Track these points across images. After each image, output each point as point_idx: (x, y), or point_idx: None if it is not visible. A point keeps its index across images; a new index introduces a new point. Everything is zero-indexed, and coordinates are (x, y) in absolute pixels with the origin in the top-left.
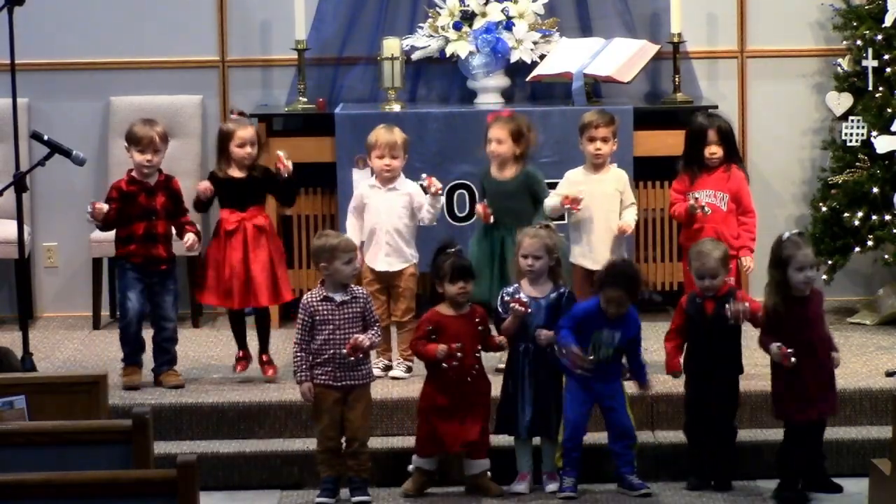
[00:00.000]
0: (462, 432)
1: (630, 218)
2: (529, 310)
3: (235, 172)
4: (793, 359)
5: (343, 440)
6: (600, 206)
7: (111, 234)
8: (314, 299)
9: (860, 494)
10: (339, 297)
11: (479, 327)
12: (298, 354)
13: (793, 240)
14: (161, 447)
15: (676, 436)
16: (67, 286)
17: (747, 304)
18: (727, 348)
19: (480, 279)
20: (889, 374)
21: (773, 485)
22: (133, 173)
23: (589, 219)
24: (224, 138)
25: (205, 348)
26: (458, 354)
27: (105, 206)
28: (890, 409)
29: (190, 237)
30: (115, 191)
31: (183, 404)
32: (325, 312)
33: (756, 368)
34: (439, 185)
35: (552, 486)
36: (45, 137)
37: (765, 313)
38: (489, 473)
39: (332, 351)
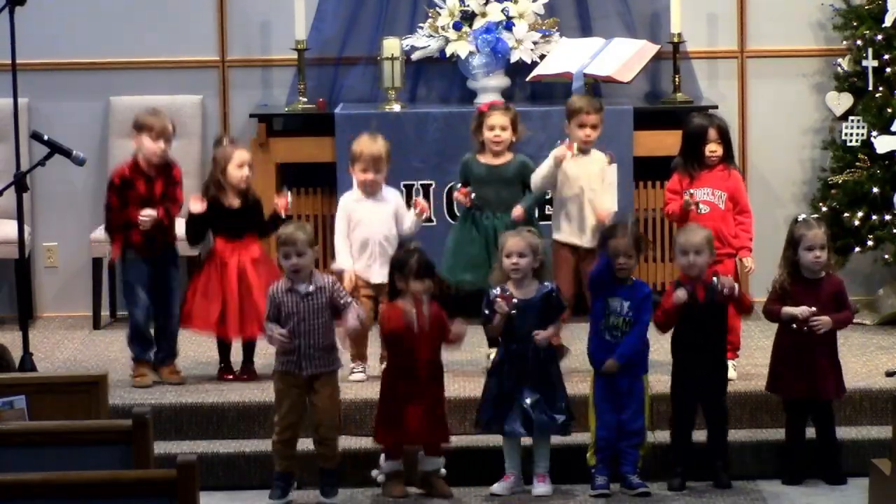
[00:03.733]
0: (416, 423)
1: (608, 204)
2: (513, 309)
3: (231, 201)
4: (812, 315)
5: (315, 434)
6: (587, 185)
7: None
8: (280, 290)
9: (860, 494)
10: (303, 289)
11: (439, 328)
12: (267, 324)
13: (806, 220)
14: (161, 447)
15: None
16: (67, 286)
17: (732, 281)
18: (716, 334)
19: (476, 269)
20: (889, 374)
21: (773, 485)
22: (139, 160)
23: (576, 197)
24: (223, 160)
25: (204, 348)
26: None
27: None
28: (890, 409)
29: (149, 211)
30: (118, 178)
31: (183, 404)
32: (290, 304)
33: (756, 368)
34: (427, 210)
35: (540, 489)
36: (45, 137)
37: (773, 288)
38: (444, 471)
39: (298, 340)
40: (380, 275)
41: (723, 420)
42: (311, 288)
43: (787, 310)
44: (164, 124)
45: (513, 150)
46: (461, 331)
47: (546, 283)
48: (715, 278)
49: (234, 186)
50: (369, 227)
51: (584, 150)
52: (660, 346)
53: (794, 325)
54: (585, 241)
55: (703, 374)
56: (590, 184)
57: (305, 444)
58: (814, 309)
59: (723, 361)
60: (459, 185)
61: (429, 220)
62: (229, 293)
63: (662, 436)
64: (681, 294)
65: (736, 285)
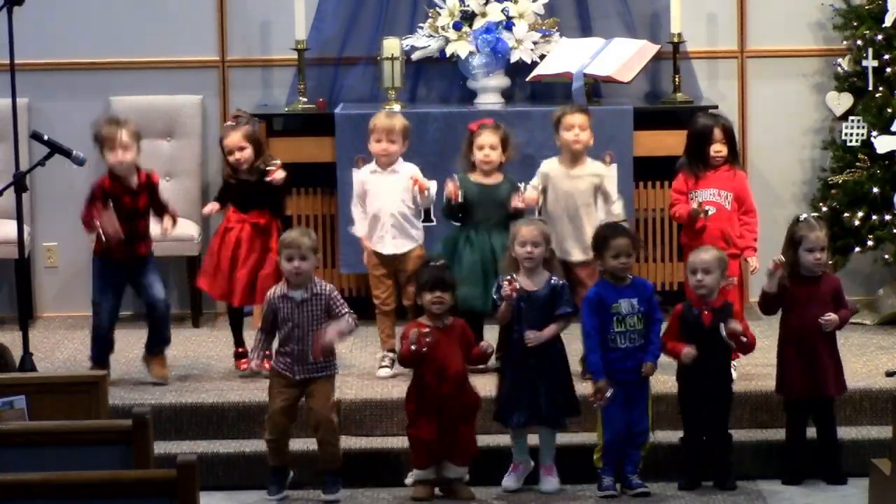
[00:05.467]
0: (445, 441)
1: (619, 210)
2: (515, 293)
3: (244, 175)
4: (778, 265)
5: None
6: (573, 201)
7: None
8: (276, 296)
9: (860, 494)
10: (298, 296)
11: (462, 340)
12: (258, 336)
13: (808, 221)
14: (161, 447)
15: (676, 436)
16: (67, 286)
17: (740, 326)
18: (722, 359)
19: (474, 287)
20: (889, 374)
21: (773, 485)
22: (116, 173)
23: (561, 213)
24: (221, 148)
25: (205, 348)
26: (427, 340)
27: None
28: (890, 409)
29: (167, 223)
30: (99, 189)
31: (183, 404)
32: (286, 311)
33: (756, 369)
34: (425, 184)
35: (549, 484)
36: (45, 137)
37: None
38: (467, 477)
39: (292, 346)
40: (391, 246)
41: (726, 445)
42: (307, 295)
43: (765, 286)
44: (113, 134)
45: (502, 170)
46: (485, 350)
47: (555, 277)
48: (722, 324)
49: (237, 168)
50: (382, 199)
51: (574, 156)
52: None
53: (773, 272)
54: (576, 256)
55: (708, 400)
56: (576, 200)
57: (307, 444)
58: (781, 258)
59: (727, 390)
60: (454, 176)
61: (428, 217)
62: (222, 259)
63: (663, 436)
64: (689, 354)
65: (739, 328)
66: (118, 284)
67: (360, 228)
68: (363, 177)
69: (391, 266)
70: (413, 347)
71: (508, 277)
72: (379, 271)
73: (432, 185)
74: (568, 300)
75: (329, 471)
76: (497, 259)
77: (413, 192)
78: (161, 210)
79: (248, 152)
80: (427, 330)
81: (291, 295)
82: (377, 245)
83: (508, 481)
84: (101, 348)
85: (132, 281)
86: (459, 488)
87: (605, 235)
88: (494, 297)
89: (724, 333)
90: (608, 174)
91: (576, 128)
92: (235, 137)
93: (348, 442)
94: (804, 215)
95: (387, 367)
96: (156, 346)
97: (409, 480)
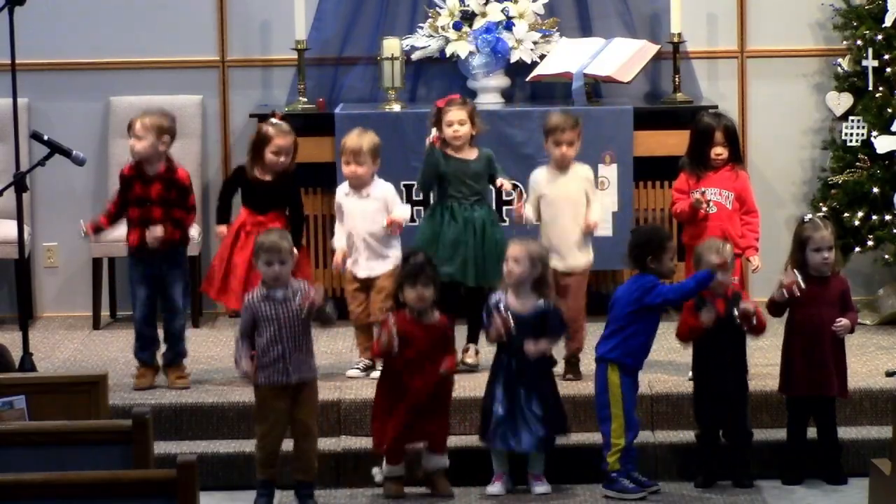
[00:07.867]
0: (418, 427)
1: (595, 215)
2: (512, 332)
3: (263, 175)
4: (802, 285)
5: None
6: (566, 206)
7: (111, 233)
8: (255, 299)
9: (860, 494)
10: (279, 295)
11: (442, 342)
12: (239, 342)
13: (813, 222)
14: (161, 447)
15: (676, 435)
16: (67, 286)
17: (752, 307)
18: (736, 348)
19: (454, 259)
20: (889, 374)
21: (773, 485)
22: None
23: (556, 220)
24: (261, 141)
25: (205, 348)
26: (395, 347)
27: (90, 228)
28: (890, 409)
29: (156, 229)
30: (120, 177)
31: (183, 404)
32: (268, 311)
33: (756, 369)
34: (399, 220)
35: (540, 488)
36: (45, 137)
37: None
38: (446, 471)
39: (279, 348)
40: (365, 269)
41: (746, 442)
42: (289, 292)
43: (775, 294)
44: (133, 122)
45: (475, 143)
46: (451, 365)
47: (542, 301)
48: (735, 309)
49: (269, 167)
50: (353, 222)
51: (562, 167)
52: (660, 346)
53: (786, 293)
54: (561, 265)
55: (724, 392)
56: (570, 206)
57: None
58: (800, 283)
59: (743, 379)
60: (434, 131)
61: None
62: (241, 264)
63: (663, 436)
64: (708, 317)
65: (751, 309)
66: (143, 277)
67: (338, 241)
68: (339, 198)
69: (364, 282)
70: (384, 347)
71: (503, 314)
72: (353, 286)
73: (405, 210)
74: (559, 324)
75: (304, 483)
76: (482, 234)
77: (393, 209)
78: (177, 207)
79: (290, 160)
80: (395, 338)
81: (273, 295)
82: (353, 267)
83: (495, 489)
84: (140, 344)
85: (156, 281)
86: (438, 481)
87: (662, 237)
88: (484, 315)
89: (736, 313)
90: (592, 177)
91: (563, 145)
92: (290, 140)
93: (348, 442)
94: (809, 216)
95: (357, 369)
96: (173, 360)
97: (377, 477)
